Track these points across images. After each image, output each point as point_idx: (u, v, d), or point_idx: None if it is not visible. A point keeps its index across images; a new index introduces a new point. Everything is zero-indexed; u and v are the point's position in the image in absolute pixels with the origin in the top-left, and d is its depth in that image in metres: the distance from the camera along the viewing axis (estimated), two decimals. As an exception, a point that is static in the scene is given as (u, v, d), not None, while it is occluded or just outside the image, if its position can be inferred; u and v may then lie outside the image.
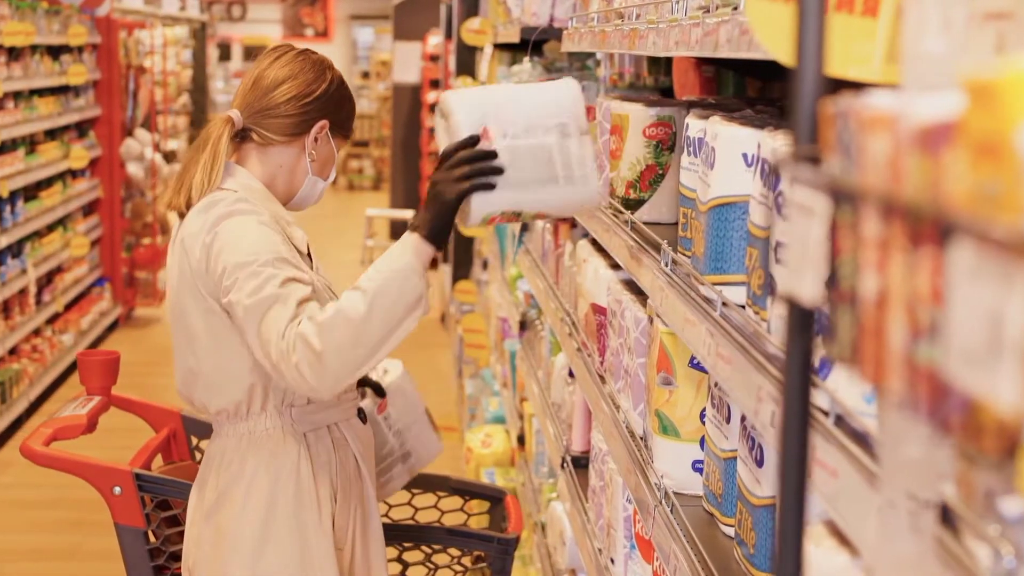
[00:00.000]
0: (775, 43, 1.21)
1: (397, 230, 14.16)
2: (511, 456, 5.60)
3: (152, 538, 3.18)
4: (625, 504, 2.97)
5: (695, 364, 2.45)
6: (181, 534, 3.05)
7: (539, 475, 4.81)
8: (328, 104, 2.87)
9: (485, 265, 8.30)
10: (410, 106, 13.84)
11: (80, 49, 9.75)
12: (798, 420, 0.83)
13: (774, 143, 1.78)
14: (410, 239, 2.49)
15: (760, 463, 1.99)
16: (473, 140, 2.42)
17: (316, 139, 2.86)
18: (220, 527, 2.82)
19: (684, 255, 2.32)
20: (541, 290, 4.43)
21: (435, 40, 13.30)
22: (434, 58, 13.38)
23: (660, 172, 2.94)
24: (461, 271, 9.72)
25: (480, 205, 2.40)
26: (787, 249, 0.82)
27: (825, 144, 0.82)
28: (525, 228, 5.19)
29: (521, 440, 5.25)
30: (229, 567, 2.81)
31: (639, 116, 2.92)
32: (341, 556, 2.84)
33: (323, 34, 25.02)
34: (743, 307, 1.94)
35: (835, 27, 1.18)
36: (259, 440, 2.80)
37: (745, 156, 1.99)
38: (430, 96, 13.47)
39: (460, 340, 8.23)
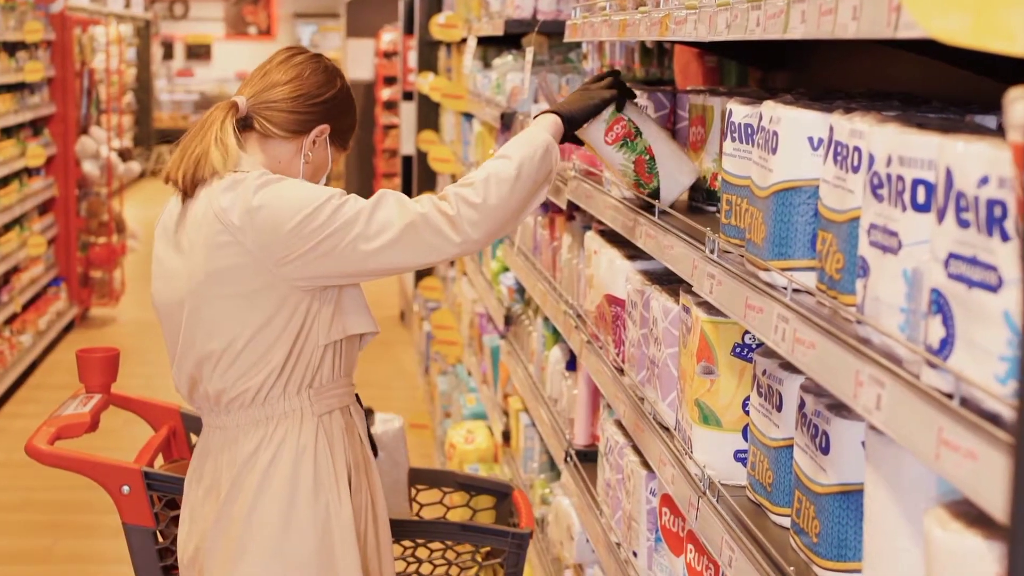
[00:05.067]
0: (930, 19, 1.18)
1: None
2: (494, 452, 5.57)
3: (160, 538, 3.12)
4: (648, 496, 2.94)
5: (737, 353, 2.43)
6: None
7: (529, 471, 4.77)
8: (332, 110, 2.91)
9: (452, 262, 8.24)
10: (363, 103, 13.74)
11: (36, 46, 9.60)
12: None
13: (852, 126, 1.76)
14: (547, 119, 2.77)
15: (825, 451, 1.96)
16: (615, 73, 2.86)
17: (315, 141, 2.89)
18: (233, 516, 2.78)
19: (731, 242, 2.29)
20: (534, 283, 4.39)
21: (389, 36, 13.23)
22: (388, 55, 13.30)
23: None
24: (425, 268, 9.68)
25: (610, 111, 2.82)
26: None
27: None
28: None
29: (506, 436, 5.21)
30: (247, 556, 2.77)
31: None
32: (357, 542, 2.81)
33: (266, 32, 24.81)
34: (818, 291, 1.91)
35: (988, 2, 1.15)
36: (276, 424, 2.78)
37: (811, 140, 1.96)
38: (384, 93, 13.40)
39: (428, 337, 8.17)
